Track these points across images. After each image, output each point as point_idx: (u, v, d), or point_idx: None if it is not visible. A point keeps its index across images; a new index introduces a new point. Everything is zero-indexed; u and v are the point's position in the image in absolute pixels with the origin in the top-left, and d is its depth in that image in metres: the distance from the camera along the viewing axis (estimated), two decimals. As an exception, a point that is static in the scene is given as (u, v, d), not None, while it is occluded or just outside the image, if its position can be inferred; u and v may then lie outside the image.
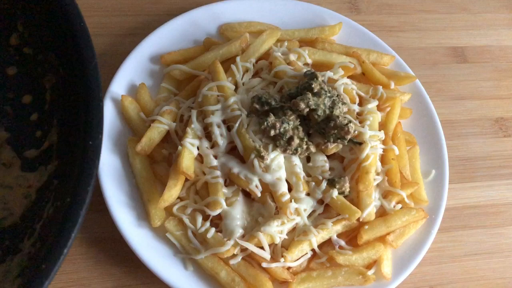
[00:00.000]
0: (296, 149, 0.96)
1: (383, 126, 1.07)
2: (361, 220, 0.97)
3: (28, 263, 0.65)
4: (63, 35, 0.73)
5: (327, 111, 0.98)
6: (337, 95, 1.01)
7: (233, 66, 1.05)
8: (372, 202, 0.97)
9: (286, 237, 0.94)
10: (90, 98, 0.68)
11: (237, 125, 0.97)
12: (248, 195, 0.96)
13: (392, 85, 1.13)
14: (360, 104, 1.07)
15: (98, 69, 0.70)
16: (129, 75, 1.07)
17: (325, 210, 0.98)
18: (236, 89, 1.04)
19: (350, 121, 0.98)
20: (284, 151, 0.96)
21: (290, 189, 0.96)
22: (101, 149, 0.67)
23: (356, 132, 0.99)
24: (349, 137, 0.97)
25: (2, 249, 0.69)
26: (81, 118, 0.69)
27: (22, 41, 0.81)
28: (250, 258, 0.93)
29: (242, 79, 1.06)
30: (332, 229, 0.95)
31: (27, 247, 0.68)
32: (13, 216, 0.72)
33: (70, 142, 0.71)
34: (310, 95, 0.97)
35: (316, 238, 0.94)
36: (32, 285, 0.58)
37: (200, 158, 0.97)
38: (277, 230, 0.93)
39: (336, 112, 0.98)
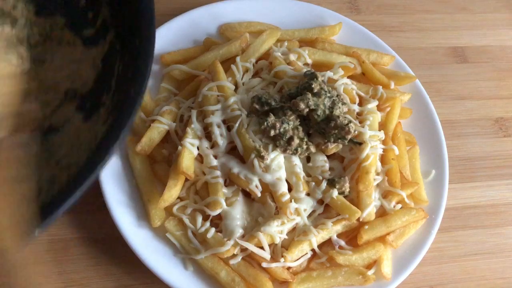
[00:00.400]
0: (296, 149, 0.96)
1: (383, 126, 1.07)
2: (361, 220, 0.97)
3: (112, 107, 0.74)
4: None
5: (327, 111, 0.98)
6: (337, 95, 1.01)
7: (233, 66, 1.05)
8: (372, 202, 0.97)
9: (286, 237, 0.94)
10: None
11: (237, 125, 0.97)
12: (248, 195, 0.96)
13: (392, 85, 1.13)
14: (360, 104, 1.07)
15: None
16: (129, 75, 1.07)
17: (325, 210, 0.98)
18: (236, 89, 1.04)
19: (350, 121, 0.98)
20: (284, 151, 0.96)
21: (290, 189, 0.96)
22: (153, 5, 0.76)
23: (356, 132, 0.99)
24: (349, 137, 0.97)
25: (86, 110, 0.79)
26: None
27: None
28: (250, 258, 0.93)
29: (242, 79, 1.06)
30: (332, 229, 0.95)
31: (108, 100, 0.76)
32: (88, 84, 0.81)
33: (122, 10, 0.78)
34: (310, 95, 0.97)
35: (316, 238, 0.94)
36: (124, 112, 0.68)
37: (200, 158, 0.97)
38: (277, 230, 0.93)
39: (336, 112, 0.98)
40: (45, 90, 0.82)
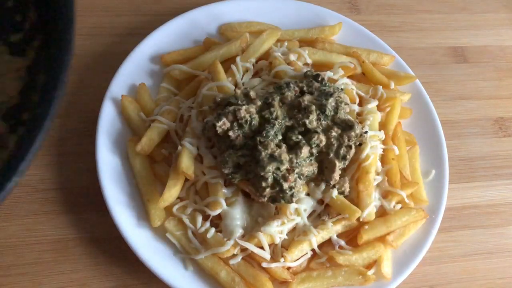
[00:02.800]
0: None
1: (383, 126, 1.07)
2: (361, 220, 0.97)
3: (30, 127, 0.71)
4: None
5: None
6: (337, 96, 1.00)
7: (233, 66, 1.05)
8: (372, 202, 0.97)
9: (286, 237, 0.94)
10: None
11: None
12: (248, 195, 0.96)
13: (392, 85, 1.13)
14: (360, 104, 1.07)
15: None
16: (129, 75, 1.07)
17: (325, 210, 0.98)
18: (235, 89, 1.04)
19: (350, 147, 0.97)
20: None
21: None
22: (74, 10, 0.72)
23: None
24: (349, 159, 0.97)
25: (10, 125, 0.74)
26: None
27: None
28: (250, 258, 0.93)
29: (242, 79, 1.06)
30: (332, 229, 0.95)
31: (29, 117, 0.72)
32: (14, 98, 0.77)
33: (48, 12, 0.75)
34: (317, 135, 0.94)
35: (316, 238, 0.94)
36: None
37: (200, 158, 0.97)
38: (277, 230, 0.93)
39: (341, 114, 0.98)
40: None
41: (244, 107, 0.94)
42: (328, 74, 1.05)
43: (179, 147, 0.95)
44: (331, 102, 0.97)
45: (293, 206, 0.93)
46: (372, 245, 0.97)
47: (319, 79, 1.02)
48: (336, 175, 0.95)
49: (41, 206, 0.98)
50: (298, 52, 1.10)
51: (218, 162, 0.94)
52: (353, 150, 0.96)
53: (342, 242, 0.97)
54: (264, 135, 0.92)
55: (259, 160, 0.90)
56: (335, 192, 0.95)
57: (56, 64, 0.70)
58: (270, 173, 0.90)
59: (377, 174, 1.01)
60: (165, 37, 1.13)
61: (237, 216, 0.94)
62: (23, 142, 0.68)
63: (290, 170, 0.91)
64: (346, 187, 0.97)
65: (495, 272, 1.07)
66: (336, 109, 0.98)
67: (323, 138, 0.94)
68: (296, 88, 1.00)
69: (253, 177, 0.92)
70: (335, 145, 0.95)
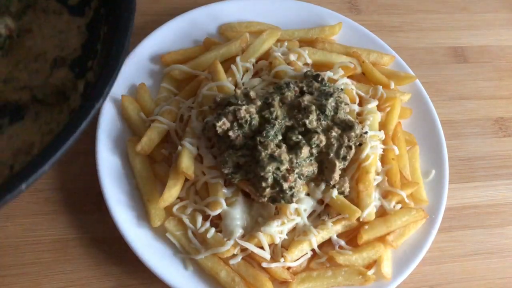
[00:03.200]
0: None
1: (383, 126, 1.07)
2: (361, 220, 0.97)
3: (99, 70, 0.79)
4: None
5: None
6: (337, 96, 1.00)
7: (233, 66, 1.05)
8: (372, 202, 0.97)
9: (286, 237, 0.94)
10: None
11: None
12: (248, 195, 0.96)
13: (392, 85, 1.13)
14: (360, 104, 1.07)
15: None
16: (129, 75, 1.07)
17: (325, 210, 0.98)
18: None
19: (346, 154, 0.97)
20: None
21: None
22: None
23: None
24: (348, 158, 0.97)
25: (76, 73, 0.85)
26: None
27: None
28: (250, 258, 0.93)
29: (242, 79, 1.06)
30: (332, 229, 0.95)
31: (94, 64, 0.82)
32: (76, 51, 0.86)
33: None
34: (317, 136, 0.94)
35: (316, 238, 0.94)
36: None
37: (200, 158, 0.97)
38: (277, 230, 0.93)
39: (341, 114, 0.98)
40: (34, 58, 0.85)
41: (244, 107, 0.94)
42: (328, 74, 1.05)
43: (179, 147, 0.95)
44: (331, 102, 0.97)
45: (293, 206, 0.93)
46: (372, 245, 0.97)
47: (319, 79, 1.02)
48: (336, 175, 0.95)
49: (41, 206, 0.98)
50: (298, 52, 1.10)
51: (218, 162, 0.94)
52: (353, 151, 0.96)
53: (342, 242, 0.97)
54: (264, 135, 0.92)
55: (259, 160, 0.90)
56: (335, 192, 0.95)
57: (117, 17, 0.76)
58: (270, 173, 0.90)
59: (377, 174, 1.01)
60: (165, 37, 1.13)
61: (237, 216, 0.94)
62: (98, 76, 0.75)
63: (290, 170, 0.91)
64: (346, 187, 0.97)
65: (495, 272, 1.07)
66: (336, 109, 0.98)
67: (323, 138, 0.94)
68: (296, 88, 1.00)
69: (253, 177, 0.92)
70: (335, 145, 0.95)
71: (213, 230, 0.92)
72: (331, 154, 0.95)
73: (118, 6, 0.77)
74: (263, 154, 0.90)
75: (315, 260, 0.96)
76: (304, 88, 1.00)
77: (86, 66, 0.83)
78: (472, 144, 1.21)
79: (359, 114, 1.05)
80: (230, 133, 0.93)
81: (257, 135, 0.93)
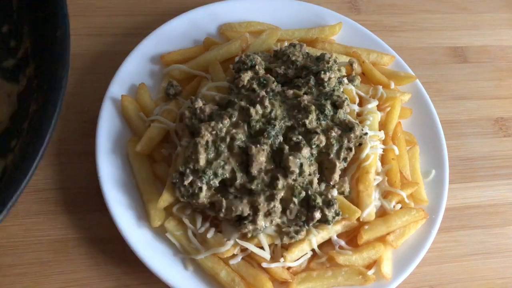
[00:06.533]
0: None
1: (383, 126, 1.07)
2: (361, 220, 0.97)
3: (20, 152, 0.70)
4: None
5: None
6: (338, 96, 1.00)
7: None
8: (372, 202, 0.97)
9: (286, 237, 0.94)
10: None
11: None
12: (248, 195, 0.96)
13: (392, 85, 1.13)
14: (360, 104, 1.07)
15: None
16: (129, 75, 1.07)
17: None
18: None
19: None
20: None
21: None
22: (69, 38, 0.72)
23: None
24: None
25: None
26: (48, 11, 0.73)
27: None
28: (250, 258, 0.93)
29: (242, 79, 1.05)
30: (332, 229, 0.95)
31: (17, 145, 0.73)
32: (2, 124, 0.77)
33: (42, 41, 0.75)
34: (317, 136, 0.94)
35: (316, 238, 0.94)
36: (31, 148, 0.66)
37: (200, 158, 0.97)
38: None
39: (340, 114, 0.98)
40: None
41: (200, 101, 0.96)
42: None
43: (179, 147, 0.95)
44: (332, 93, 0.98)
45: (293, 206, 0.93)
46: (372, 245, 0.97)
47: (324, 59, 1.03)
48: (336, 175, 0.95)
49: (41, 206, 0.98)
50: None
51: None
52: (353, 152, 0.96)
53: (342, 242, 0.96)
54: (266, 135, 0.92)
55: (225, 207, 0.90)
56: (335, 192, 0.95)
57: (47, 96, 0.69)
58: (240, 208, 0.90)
59: (377, 174, 1.01)
60: (165, 37, 1.13)
61: (237, 216, 0.93)
62: (10, 172, 0.67)
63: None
64: (346, 187, 0.97)
65: (495, 272, 1.07)
66: (336, 108, 0.98)
67: (323, 138, 0.94)
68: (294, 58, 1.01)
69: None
70: (335, 146, 0.95)
71: (213, 230, 0.92)
72: (331, 155, 0.95)
73: (48, 81, 0.70)
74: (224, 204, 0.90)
75: (315, 260, 0.96)
76: (300, 59, 1.02)
77: (10, 146, 0.73)
78: (472, 144, 1.21)
79: (359, 114, 1.05)
80: (187, 120, 0.95)
81: (258, 135, 0.93)
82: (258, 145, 0.91)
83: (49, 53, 0.72)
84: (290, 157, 0.90)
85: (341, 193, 0.96)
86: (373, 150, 0.99)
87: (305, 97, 0.97)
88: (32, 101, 0.73)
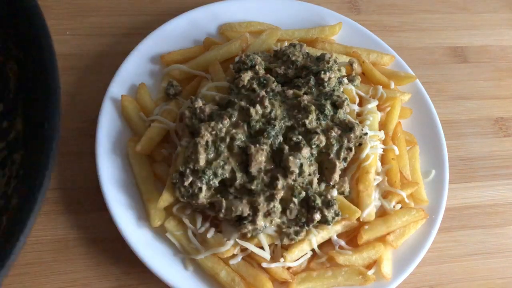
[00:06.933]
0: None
1: (383, 126, 1.07)
2: (361, 220, 0.97)
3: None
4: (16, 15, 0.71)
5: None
6: (338, 96, 1.01)
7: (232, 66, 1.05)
8: (372, 202, 0.97)
9: (286, 237, 0.94)
10: (46, 77, 0.69)
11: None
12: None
13: (392, 85, 1.13)
14: (360, 104, 1.07)
15: (53, 52, 0.69)
16: (129, 75, 1.07)
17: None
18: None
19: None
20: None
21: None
22: (59, 129, 0.68)
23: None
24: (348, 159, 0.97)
25: None
26: (40, 96, 0.71)
27: None
28: (250, 258, 0.93)
29: (242, 79, 1.05)
30: (332, 229, 0.95)
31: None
32: None
33: (33, 129, 0.71)
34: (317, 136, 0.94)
35: (316, 238, 0.94)
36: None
37: (200, 158, 0.97)
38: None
39: (340, 114, 0.98)
40: None
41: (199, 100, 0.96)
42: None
43: (179, 147, 0.95)
44: (332, 93, 0.98)
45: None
46: (372, 245, 0.97)
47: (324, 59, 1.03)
48: (336, 175, 0.95)
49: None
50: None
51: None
52: (353, 152, 0.96)
53: (342, 242, 0.96)
54: (266, 135, 0.92)
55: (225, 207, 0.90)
56: (335, 192, 0.95)
57: (30, 192, 0.65)
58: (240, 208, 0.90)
59: (377, 174, 1.01)
60: (165, 37, 1.13)
61: (237, 216, 0.93)
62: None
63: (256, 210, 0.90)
64: (346, 187, 0.97)
65: (495, 272, 1.07)
66: (336, 108, 0.98)
67: (323, 138, 0.94)
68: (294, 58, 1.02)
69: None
70: (335, 146, 0.95)
71: (213, 230, 0.92)
72: (331, 155, 0.95)
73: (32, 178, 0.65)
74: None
75: (315, 260, 0.96)
76: (299, 59, 1.02)
77: None
78: (472, 144, 1.21)
79: (359, 114, 1.05)
80: (187, 120, 0.94)
81: (258, 135, 0.93)
82: (257, 145, 0.91)
83: (36, 146, 0.68)
84: (290, 157, 0.90)
85: (341, 193, 0.96)
86: (373, 150, 0.99)
87: (305, 97, 0.97)
88: (13, 196, 0.68)
